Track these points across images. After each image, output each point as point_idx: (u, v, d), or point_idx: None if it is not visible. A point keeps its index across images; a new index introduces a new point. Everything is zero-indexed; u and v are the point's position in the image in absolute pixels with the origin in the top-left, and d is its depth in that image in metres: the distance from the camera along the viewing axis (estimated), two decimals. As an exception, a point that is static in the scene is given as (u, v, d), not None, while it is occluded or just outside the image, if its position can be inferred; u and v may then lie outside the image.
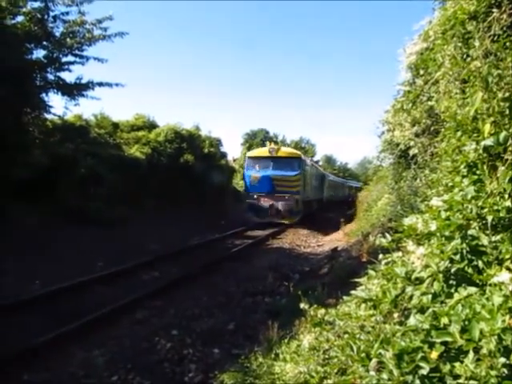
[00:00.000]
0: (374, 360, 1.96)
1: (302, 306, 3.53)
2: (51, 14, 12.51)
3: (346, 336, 2.70)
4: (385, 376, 1.83)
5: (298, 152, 23.79)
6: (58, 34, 12.92)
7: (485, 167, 2.49)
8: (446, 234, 2.31)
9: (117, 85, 14.23)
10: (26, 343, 5.17)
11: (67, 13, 12.84)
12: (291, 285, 6.79)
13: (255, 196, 20.40)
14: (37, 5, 12.22)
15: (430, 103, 5.15)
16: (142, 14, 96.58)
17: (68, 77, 13.74)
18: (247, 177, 21.43)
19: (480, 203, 2.29)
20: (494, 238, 2.17)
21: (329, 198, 33.22)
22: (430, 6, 4.86)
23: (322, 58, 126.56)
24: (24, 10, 12.10)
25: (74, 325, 5.83)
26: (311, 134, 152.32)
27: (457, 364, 1.71)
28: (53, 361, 5.02)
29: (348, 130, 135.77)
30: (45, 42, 12.68)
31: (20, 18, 12.13)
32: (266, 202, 20.29)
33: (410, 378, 1.74)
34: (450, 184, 2.87)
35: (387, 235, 2.73)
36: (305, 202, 21.78)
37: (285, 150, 22.60)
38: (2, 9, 11.42)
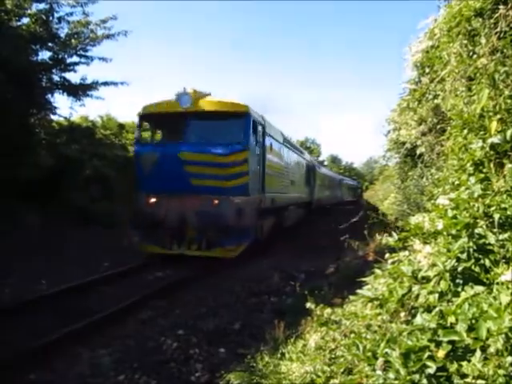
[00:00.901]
0: (381, 359, 1.96)
1: (308, 305, 3.53)
2: (56, 15, 12.68)
3: (353, 335, 2.70)
4: (391, 375, 1.83)
5: (245, 104, 9.98)
6: (62, 35, 13.08)
7: (491, 165, 2.48)
8: (453, 232, 2.29)
9: (122, 83, 14.36)
10: (31, 343, 5.19)
11: (71, 14, 12.97)
12: (297, 284, 6.76)
13: (152, 199, 9.74)
14: (42, 6, 12.36)
15: (436, 101, 5.14)
16: (144, 15, 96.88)
17: (73, 77, 13.89)
18: (138, 159, 10.38)
19: (487, 201, 2.27)
20: (501, 237, 2.15)
21: (323, 201, 22.92)
22: (436, 3, 4.86)
23: (325, 58, 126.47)
24: (29, 11, 12.21)
25: (80, 324, 5.86)
26: (316, 133, 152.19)
27: (464, 363, 1.70)
28: (59, 361, 5.05)
29: (353, 129, 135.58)
30: (50, 43, 12.81)
31: (25, 20, 12.29)
32: (171, 211, 9.47)
33: (416, 377, 1.74)
34: (457, 182, 2.86)
35: (394, 234, 2.72)
36: (263, 212, 10.89)
37: (216, 101, 9.98)
38: (8, 11, 11.52)
